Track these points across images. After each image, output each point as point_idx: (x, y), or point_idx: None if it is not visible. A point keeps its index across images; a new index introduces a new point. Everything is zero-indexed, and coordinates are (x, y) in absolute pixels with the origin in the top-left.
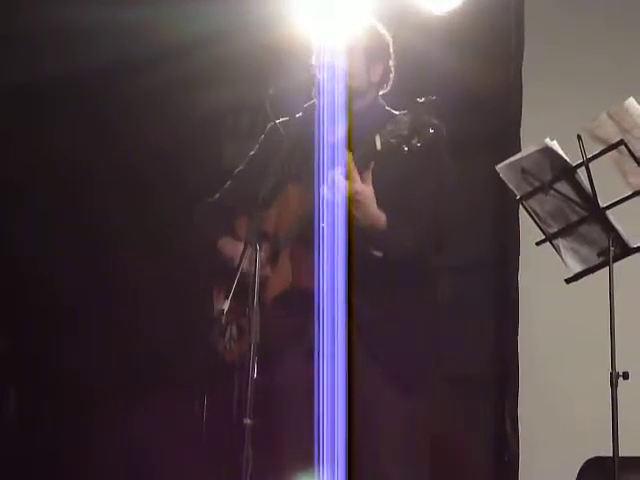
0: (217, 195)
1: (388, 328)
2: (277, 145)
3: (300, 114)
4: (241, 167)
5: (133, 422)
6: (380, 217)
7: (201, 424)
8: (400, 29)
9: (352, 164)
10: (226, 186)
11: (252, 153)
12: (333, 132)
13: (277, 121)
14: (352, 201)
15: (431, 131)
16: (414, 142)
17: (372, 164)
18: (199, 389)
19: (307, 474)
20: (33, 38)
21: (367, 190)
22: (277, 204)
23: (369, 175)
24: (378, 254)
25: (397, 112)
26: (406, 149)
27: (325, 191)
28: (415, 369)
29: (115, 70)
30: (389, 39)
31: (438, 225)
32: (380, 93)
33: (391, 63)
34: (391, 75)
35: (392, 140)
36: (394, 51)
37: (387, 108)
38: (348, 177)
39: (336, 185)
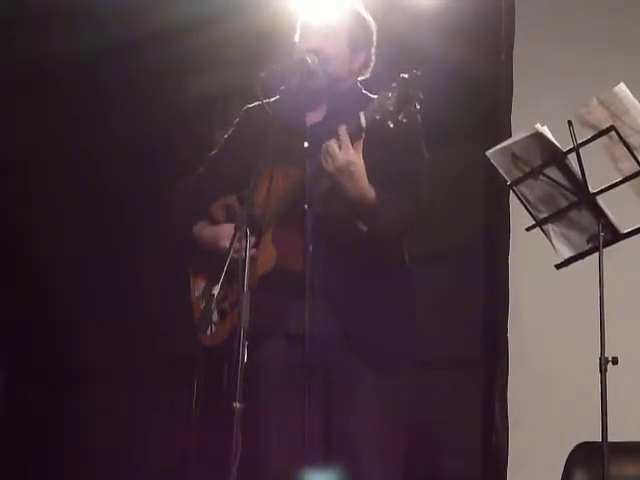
0: (192, 179)
1: (370, 308)
2: (261, 127)
3: (282, 96)
4: (215, 151)
5: (120, 406)
6: (370, 190)
7: (190, 408)
8: (389, 14)
9: (346, 136)
10: (200, 170)
11: (226, 136)
12: (315, 113)
13: (264, 101)
14: (344, 172)
15: (417, 107)
16: (400, 118)
17: (363, 136)
18: (188, 373)
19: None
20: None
21: (359, 161)
22: (262, 185)
23: (360, 147)
24: (363, 228)
25: (375, 96)
26: (392, 125)
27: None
28: (401, 352)
29: (102, 55)
30: (374, 27)
31: (424, 206)
32: (359, 79)
33: (373, 50)
34: (371, 63)
35: (377, 117)
36: (380, 37)
37: (364, 92)
38: (340, 148)
39: (331, 154)
